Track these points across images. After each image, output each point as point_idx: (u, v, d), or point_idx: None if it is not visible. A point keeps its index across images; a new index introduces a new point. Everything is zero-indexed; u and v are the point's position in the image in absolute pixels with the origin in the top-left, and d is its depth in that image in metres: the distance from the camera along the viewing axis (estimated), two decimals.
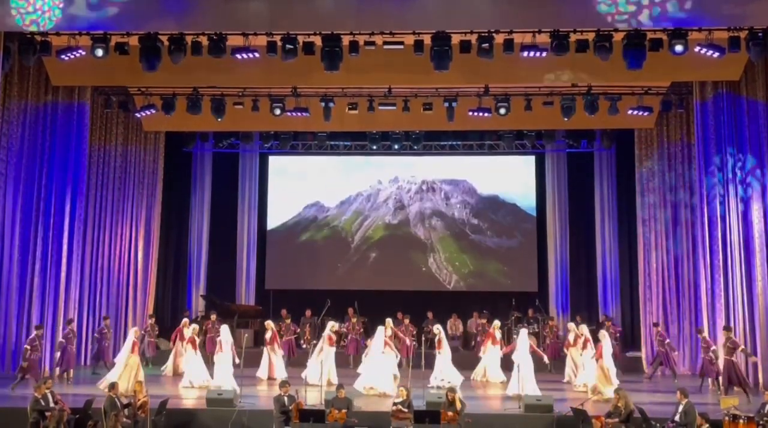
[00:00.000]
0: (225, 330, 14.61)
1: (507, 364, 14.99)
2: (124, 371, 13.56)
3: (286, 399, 11.22)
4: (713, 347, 14.44)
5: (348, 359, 17.08)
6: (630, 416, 10.89)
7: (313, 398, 12.60)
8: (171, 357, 16.35)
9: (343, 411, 11.11)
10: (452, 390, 11.53)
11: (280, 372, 15.44)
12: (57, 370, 15.04)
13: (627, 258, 20.04)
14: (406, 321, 17.21)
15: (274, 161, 21.85)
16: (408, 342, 16.40)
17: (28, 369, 13.71)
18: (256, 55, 13.83)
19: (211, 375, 14.36)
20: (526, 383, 13.42)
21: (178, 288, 21.15)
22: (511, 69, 14.60)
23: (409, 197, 21.76)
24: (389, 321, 15.33)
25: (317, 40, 13.52)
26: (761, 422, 10.55)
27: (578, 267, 20.79)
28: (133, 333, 14.26)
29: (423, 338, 16.75)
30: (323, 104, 16.81)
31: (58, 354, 14.96)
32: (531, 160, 21.39)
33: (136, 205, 19.12)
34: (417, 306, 18.95)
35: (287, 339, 16.88)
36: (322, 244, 21.64)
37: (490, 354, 15.80)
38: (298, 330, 17.89)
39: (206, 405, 12.24)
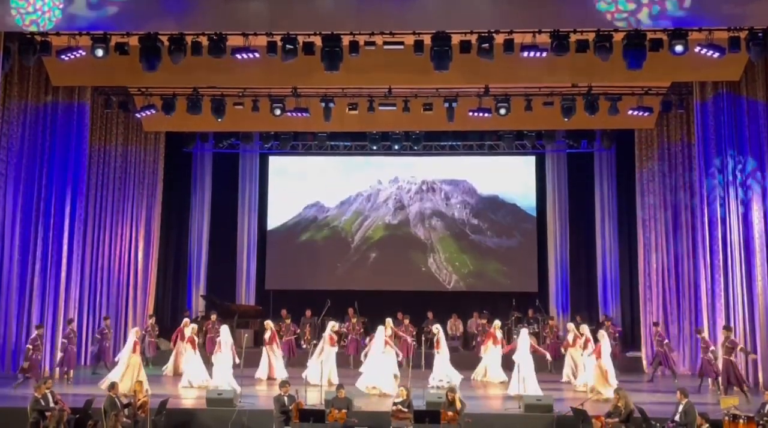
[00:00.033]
0: (225, 330, 14.60)
1: (508, 364, 14.98)
2: (127, 371, 13.57)
3: (286, 399, 11.22)
4: (712, 347, 14.45)
5: (348, 359, 17.08)
6: (630, 416, 10.89)
7: (313, 398, 12.60)
8: (172, 357, 16.35)
9: (343, 411, 11.11)
10: (452, 390, 11.52)
11: (280, 372, 15.45)
12: (57, 370, 15.06)
13: (627, 258, 20.05)
14: (406, 321, 17.23)
15: (274, 161, 21.85)
16: (409, 340, 16.44)
17: (29, 369, 13.72)
18: (256, 55, 13.83)
19: (211, 376, 14.36)
20: (528, 383, 13.42)
21: (178, 288, 21.16)
22: (511, 69, 14.60)
23: (409, 197, 21.76)
24: (389, 321, 15.34)
25: (317, 40, 13.52)
26: (761, 422, 10.55)
27: (578, 267, 20.80)
28: (134, 333, 14.26)
29: (423, 338, 16.75)
30: (323, 104, 16.81)
31: (62, 354, 14.97)
32: (531, 160, 21.39)
33: (136, 205, 19.12)
34: (417, 307, 18.96)
35: (287, 340, 16.89)
36: (322, 244, 21.64)
37: (491, 354, 15.80)
38: (298, 330, 17.89)
39: (206, 405, 12.24)
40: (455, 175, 21.69)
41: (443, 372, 14.93)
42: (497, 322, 16.05)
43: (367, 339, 16.38)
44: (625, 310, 20.00)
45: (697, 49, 13.27)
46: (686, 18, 12.40)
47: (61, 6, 12.64)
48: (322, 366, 14.08)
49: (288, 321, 17.35)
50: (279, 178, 21.79)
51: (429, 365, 15.15)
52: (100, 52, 13.39)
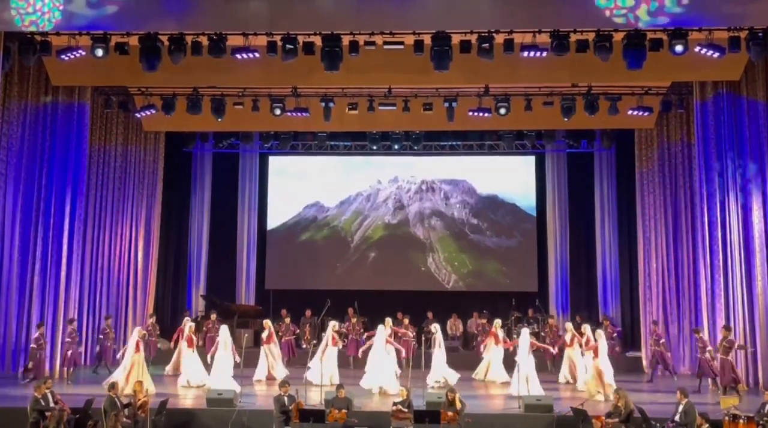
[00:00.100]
0: (224, 330, 14.62)
1: (510, 364, 14.97)
2: (132, 370, 13.58)
3: (286, 399, 11.23)
4: (709, 347, 14.46)
5: (348, 359, 17.08)
6: (630, 416, 10.89)
7: (313, 398, 12.60)
8: (174, 356, 16.33)
9: (343, 411, 11.12)
10: (452, 390, 11.52)
11: (279, 371, 15.46)
12: (62, 370, 15.11)
13: (627, 258, 20.05)
14: (406, 321, 17.22)
15: (274, 161, 21.85)
16: (410, 334, 16.48)
17: (34, 368, 13.74)
18: (256, 55, 13.83)
19: (210, 375, 14.36)
20: (531, 383, 13.43)
21: (178, 288, 21.16)
22: (511, 69, 14.60)
23: (408, 197, 21.76)
24: (389, 320, 15.35)
25: (317, 40, 13.52)
26: (761, 422, 10.56)
27: (578, 267, 20.80)
28: (136, 333, 14.25)
29: (423, 338, 16.76)
30: (323, 104, 16.81)
31: (70, 353, 14.99)
32: (531, 160, 21.39)
33: (136, 205, 19.11)
34: (416, 306, 18.94)
35: (287, 339, 16.89)
36: (322, 244, 21.64)
37: (493, 354, 15.80)
38: (297, 330, 17.89)
39: (206, 405, 12.25)
40: (455, 175, 21.69)
41: (440, 373, 14.94)
42: (498, 321, 16.06)
43: (365, 335, 16.44)
44: (625, 310, 20.00)
45: (697, 49, 13.27)
46: (686, 17, 12.39)
47: (60, 7, 12.64)
48: (322, 366, 14.09)
49: (287, 320, 17.35)
50: (279, 178, 21.78)
51: (429, 365, 15.15)
52: (100, 52, 13.38)
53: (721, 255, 15.29)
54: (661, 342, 16.05)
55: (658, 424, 10.90)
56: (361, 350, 15.48)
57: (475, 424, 11.23)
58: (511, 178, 21.45)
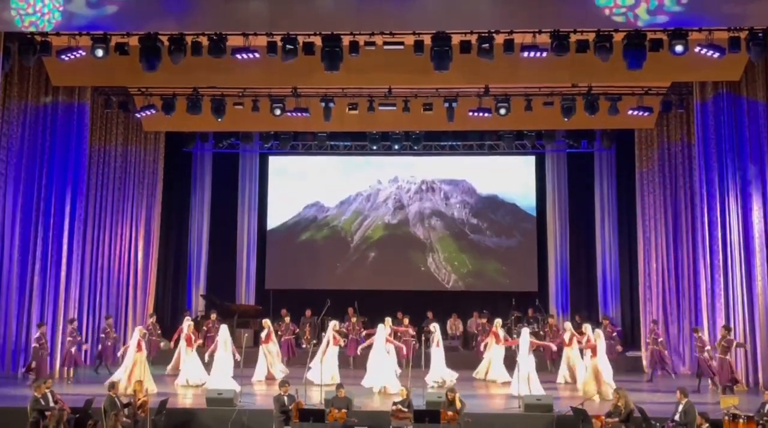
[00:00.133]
0: (224, 330, 14.63)
1: (511, 364, 14.97)
2: (134, 370, 13.59)
3: (286, 398, 11.23)
4: (707, 347, 14.47)
5: (348, 359, 17.07)
6: (630, 416, 10.89)
7: (313, 398, 12.60)
8: (174, 356, 16.32)
9: (343, 410, 11.12)
10: (452, 389, 11.52)
11: (278, 370, 15.46)
12: (64, 370, 15.11)
13: (627, 258, 20.06)
14: (406, 321, 17.22)
15: (274, 161, 21.86)
16: (411, 331, 16.50)
17: (37, 368, 13.76)
18: (256, 55, 13.83)
19: (209, 375, 14.36)
20: (532, 383, 13.44)
21: (178, 288, 21.17)
22: (511, 69, 14.60)
23: (408, 197, 21.77)
24: (389, 320, 15.35)
25: (317, 40, 13.52)
26: (761, 422, 10.56)
27: (578, 267, 20.81)
28: (138, 332, 14.27)
29: (423, 338, 16.76)
30: (323, 104, 16.81)
31: (72, 352, 15.01)
32: (531, 160, 21.40)
33: (136, 205, 19.12)
34: (416, 306, 18.94)
35: (287, 339, 16.89)
36: (322, 244, 21.65)
37: (494, 353, 15.80)
38: (297, 329, 17.89)
39: (206, 404, 12.25)
40: (455, 175, 21.70)
41: (438, 374, 14.95)
42: (499, 321, 16.06)
43: (364, 334, 16.44)
44: (625, 310, 20.01)
45: (697, 49, 13.27)
46: (686, 17, 12.38)
47: (60, 8, 12.63)
48: (323, 365, 14.09)
49: (287, 320, 17.35)
50: (279, 178, 21.79)
51: (429, 365, 15.15)
52: (100, 52, 13.39)
53: (721, 255, 15.29)
54: (659, 341, 16.05)
55: (658, 424, 10.90)
56: (360, 347, 15.49)
57: (475, 424, 11.22)
58: (511, 178, 21.46)
